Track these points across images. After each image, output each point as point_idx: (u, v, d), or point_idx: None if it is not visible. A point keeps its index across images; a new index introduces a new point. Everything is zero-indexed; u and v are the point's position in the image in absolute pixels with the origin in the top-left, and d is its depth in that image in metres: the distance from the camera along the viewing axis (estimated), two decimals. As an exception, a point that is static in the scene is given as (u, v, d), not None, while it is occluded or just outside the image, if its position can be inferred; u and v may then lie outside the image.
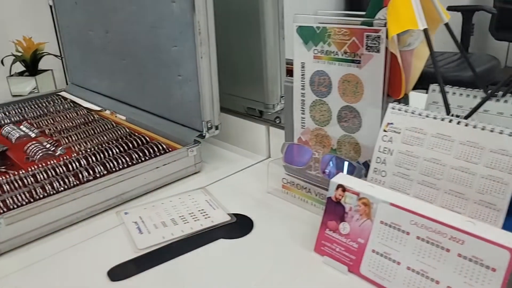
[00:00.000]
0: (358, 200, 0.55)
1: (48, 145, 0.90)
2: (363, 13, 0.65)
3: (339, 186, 0.57)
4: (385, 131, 0.61)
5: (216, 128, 0.84)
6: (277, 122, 0.93)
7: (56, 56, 1.26)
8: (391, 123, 0.60)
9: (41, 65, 1.36)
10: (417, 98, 0.66)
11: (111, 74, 1.05)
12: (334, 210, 0.57)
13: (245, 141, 0.94)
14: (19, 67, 1.33)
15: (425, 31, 0.56)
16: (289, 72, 0.81)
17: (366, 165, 0.66)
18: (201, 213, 0.71)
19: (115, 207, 0.74)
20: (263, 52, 0.88)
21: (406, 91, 0.64)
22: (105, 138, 0.91)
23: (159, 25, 0.84)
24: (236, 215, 0.69)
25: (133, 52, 0.95)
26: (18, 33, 1.40)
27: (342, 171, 0.66)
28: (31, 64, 1.32)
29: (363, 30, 0.61)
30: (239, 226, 0.67)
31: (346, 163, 0.66)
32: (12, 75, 1.32)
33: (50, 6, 1.53)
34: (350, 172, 0.65)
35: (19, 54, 1.32)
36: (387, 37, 0.59)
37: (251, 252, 0.62)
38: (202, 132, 0.84)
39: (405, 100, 0.64)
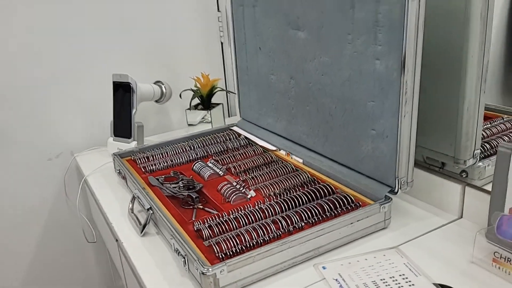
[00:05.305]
0: None
1: (238, 186, 0.96)
2: None
3: None
4: None
5: (408, 185, 0.83)
6: (463, 176, 0.88)
7: (230, 92, 1.37)
8: None
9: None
10: None
11: (291, 117, 1.10)
12: None
13: (432, 196, 0.90)
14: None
15: None
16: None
17: None
18: (403, 278, 0.69)
19: (312, 259, 0.76)
20: (460, 102, 0.83)
21: None
22: (290, 183, 0.95)
23: (355, 79, 0.85)
24: (442, 286, 0.67)
25: (319, 101, 0.98)
26: (189, 69, 1.56)
27: None
28: (206, 99, 1.45)
29: None
30: (450, 301, 0.64)
31: None
32: (189, 108, 1.46)
33: (221, 43, 1.66)
34: None
35: (196, 89, 1.46)
36: None
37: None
38: (394, 188, 0.82)
39: None
